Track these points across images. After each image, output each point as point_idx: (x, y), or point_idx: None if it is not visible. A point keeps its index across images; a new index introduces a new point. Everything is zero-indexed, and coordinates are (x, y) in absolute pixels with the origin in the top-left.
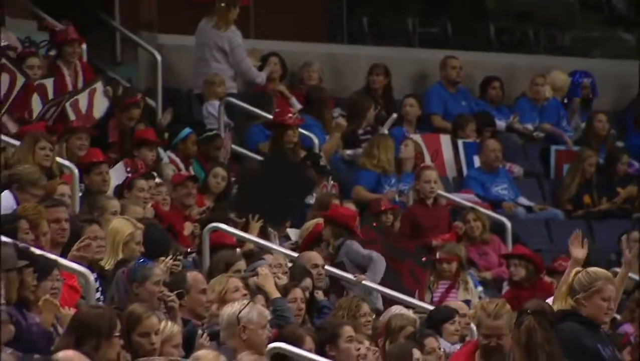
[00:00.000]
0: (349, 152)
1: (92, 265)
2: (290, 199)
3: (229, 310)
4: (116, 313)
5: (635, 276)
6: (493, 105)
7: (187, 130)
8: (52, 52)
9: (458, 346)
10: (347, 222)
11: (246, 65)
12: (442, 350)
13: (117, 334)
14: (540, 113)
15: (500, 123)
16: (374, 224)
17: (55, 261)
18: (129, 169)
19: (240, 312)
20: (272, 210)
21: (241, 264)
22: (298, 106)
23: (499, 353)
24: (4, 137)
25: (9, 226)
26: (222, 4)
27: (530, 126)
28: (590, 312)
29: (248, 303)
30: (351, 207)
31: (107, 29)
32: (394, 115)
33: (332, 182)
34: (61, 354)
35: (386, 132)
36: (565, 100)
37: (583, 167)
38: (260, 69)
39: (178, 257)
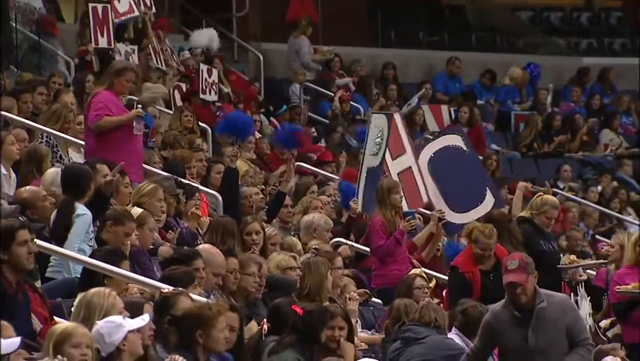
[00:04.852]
0: None
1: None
2: None
3: (307, 218)
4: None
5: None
6: (485, 87)
7: (284, 107)
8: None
9: None
10: None
11: (306, 62)
12: None
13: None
14: (504, 93)
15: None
16: None
17: (197, 187)
18: None
19: (314, 218)
20: None
21: (314, 188)
22: (353, 88)
23: (488, 258)
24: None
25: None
26: (303, 22)
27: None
28: (539, 223)
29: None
30: None
31: (228, 39)
32: (424, 90)
33: None
34: (200, 246)
35: (416, 100)
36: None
37: (534, 125)
38: (327, 62)
39: (274, 185)
